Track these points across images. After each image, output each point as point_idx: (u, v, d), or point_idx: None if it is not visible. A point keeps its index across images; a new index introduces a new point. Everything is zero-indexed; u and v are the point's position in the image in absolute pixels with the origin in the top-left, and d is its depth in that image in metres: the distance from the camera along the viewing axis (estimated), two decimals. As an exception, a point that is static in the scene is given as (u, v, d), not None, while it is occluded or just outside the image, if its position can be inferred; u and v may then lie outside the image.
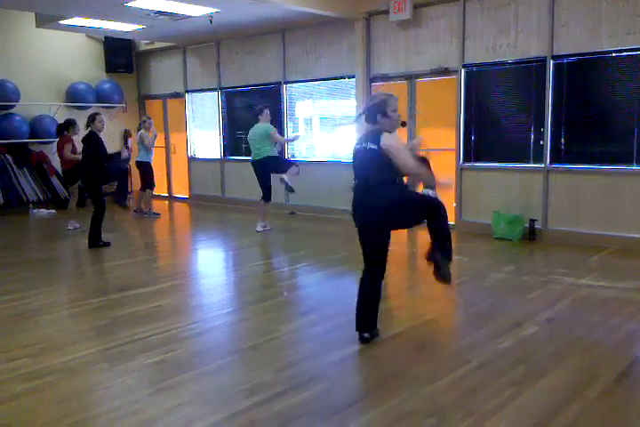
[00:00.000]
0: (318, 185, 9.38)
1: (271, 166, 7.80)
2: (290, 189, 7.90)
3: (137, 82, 12.26)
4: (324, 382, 3.20)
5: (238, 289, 5.51)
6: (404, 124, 3.94)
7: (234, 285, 5.68)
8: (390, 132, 3.67)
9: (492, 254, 6.62)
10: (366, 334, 3.75)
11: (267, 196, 7.85)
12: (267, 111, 7.84)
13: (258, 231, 7.85)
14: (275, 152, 7.86)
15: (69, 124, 8.28)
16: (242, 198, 10.31)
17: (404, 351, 3.66)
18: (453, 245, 3.86)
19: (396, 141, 3.64)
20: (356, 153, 3.75)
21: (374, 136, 3.61)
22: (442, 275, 3.77)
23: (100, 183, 7.03)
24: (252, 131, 7.85)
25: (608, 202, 6.64)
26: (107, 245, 6.99)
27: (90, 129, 6.88)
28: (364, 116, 3.78)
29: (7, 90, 9.91)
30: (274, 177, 7.86)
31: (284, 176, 7.72)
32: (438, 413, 2.84)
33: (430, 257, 3.80)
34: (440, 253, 3.74)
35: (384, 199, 3.58)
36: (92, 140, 6.83)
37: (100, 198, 6.94)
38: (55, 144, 10.68)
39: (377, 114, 3.66)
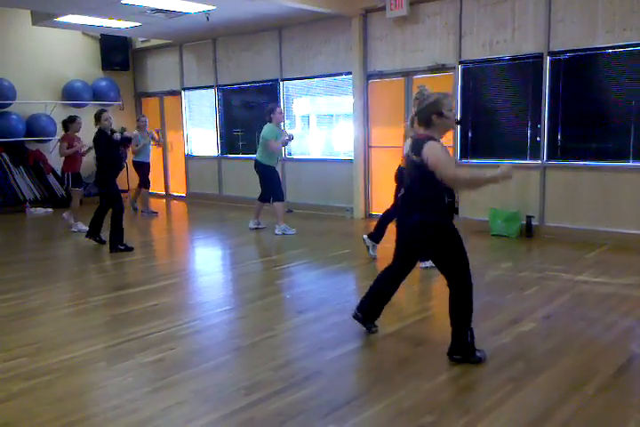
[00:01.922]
0: (316, 183, 9.38)
1: (257, 173, 7.69)
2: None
3: (133, 79, 12.23)
4: (322, 380, 3.20)
5: (236, 287, 5.51)
6: (458, 122, 3.72)
7: (231, 283, 5.68)
8: (440, 137, 3.38)
9: (490, 251, 6.63)
10: (360, 313, 3.84)
11: (276, 196, 7.65)
12: (279, 110, 7.60)
13: (277, 235, 7.57)
14: (264, 159, 7.57)
15: (69, 121, 8.01)
16: (239, 196, 10.30)
17: (402, 349, 3.67)
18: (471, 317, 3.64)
19: (437, 151, 3.26)
20: (407, 161, 3.52)
21: (419, 144, 3.30)
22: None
23: (116, 175, 6.88)
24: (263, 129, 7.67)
25: (605, 198, 6.65)
26: (129, 249, 6.69)
27: (98, 128, 6.73)
28: (414, 120, 3.48)
29: (3, 88, 9.88)
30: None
31: (277, 231, 7.54)
32: (436, 410, 2.84)
33: (450, 358, 3.43)
34: (457, 355, 3.40)
35: (422, 226, 3.38)
36: (101, 140, 6.69)
37: (117, 197, 6.75)
38: (50, 143, 10.73)
39: (432, 115, 3.34)
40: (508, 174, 3.27)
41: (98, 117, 6.74)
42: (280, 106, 7.76)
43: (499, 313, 4.29)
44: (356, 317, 3.89)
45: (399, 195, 3.67)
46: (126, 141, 7.17)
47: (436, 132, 3.38)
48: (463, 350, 3.39)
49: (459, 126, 7.42)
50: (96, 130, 6.77)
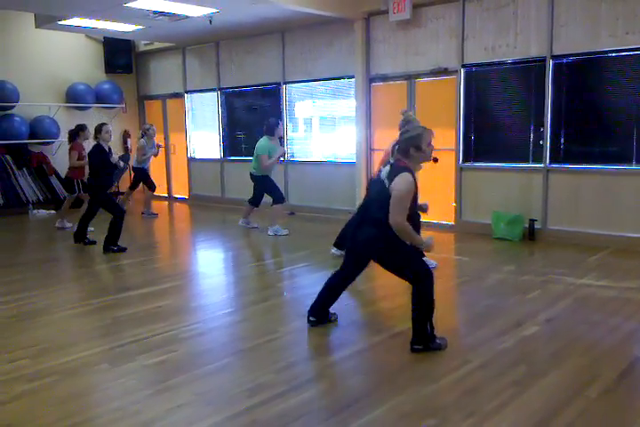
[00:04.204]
0: (318, 185, 9.39)
1: (254, 184, 7.87)
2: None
3: (136, 82, 12.26)
4: (324, 383, 3.20)
5: (238, 290, 5.51)
6: (435, 160, 3.86)
7: (234, 285, 5.68)
8: (416, 169, 3.63)
9: (492, 254, 6.62)
10: (312, 318, 4.11)
11: (277, 199, 7.79)
12: (281, 126, 7.81)
13: (269, 235, 7.67)
14: (259, 171, 7.72)
15: (79, 129, 8.08)
16: (242, 199, 10.26)
17: (404, 352, 3.66)
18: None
19: (404, 188, 3.45)
20: (375, 178, 3.75)
21: (395, 172, 3.50)
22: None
23: (106, 190, 6.90)
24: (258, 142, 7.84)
25: (608, 202, 6.65)
26: (123, 250, 6.75)
27: (97, 140, 6.69)
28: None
29: (7, 90, 9.91)
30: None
31: (270, 232, 7.66)
32: (439, 413, 2.84)
33: (412, 349, 3.61)
34: (420, 346, 3.59)
35: (373, 241, 3.63)
36: (96, 155, 6.67)
37: (114, 204, 6.79)
38: (54, 145, 10.76)
39: (410, 147, 3.55)
40: (431, 248, 3.64)
41: (99, 130, 6.70)
42: (281, 121, 7.95)
43: (501, 316, 4.29)
44: (311, 322, 4.12)
45: (358, 205, 3.85)
46: (115, 167, 7.09)
47: (411, 164, 3.59)
48: (424, 340, 3.61)
49: (436, 162, 7.40)
50: (94, 143, 6.74)
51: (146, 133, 9.31)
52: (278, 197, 7.81)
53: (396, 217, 3.46)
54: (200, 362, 3.55)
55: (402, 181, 3.45)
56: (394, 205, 3.45)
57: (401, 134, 3.75)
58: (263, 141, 7.71)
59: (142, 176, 9.43)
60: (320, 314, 4.15)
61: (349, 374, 3.41)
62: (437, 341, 3.64)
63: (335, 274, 4.15)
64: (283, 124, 7.97)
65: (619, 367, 3.35)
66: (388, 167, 3.62)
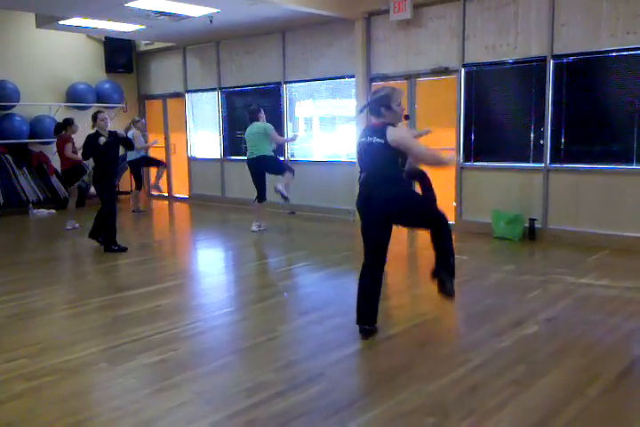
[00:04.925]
0: (318, 185, 9.38)
1: (265, 166, 7.82)
2: (285, 198, 7.83)
3: (137, 82, 12.26)
4: (325, 382, 3.20)
5: (238, 289, 5.51)
6: (406, 117, 3.91)
7: (234, 284, 5.68)
8: (394, 125, 3.67)
9: (492, 254, 6.62)
10: (367, 326, 3.83)
11: (261, 195, 7.88)
12: (262, 111, 7.93)
13: (254, 231, 7.85)
14: (270, 152, 7.83)
15: (67, 124, 8.25)
16: (242, 198, 10.30)
17: (405, 351, 3.66)
18: (453, 245, 3.87)
19: (404, 133, 3.66)
20: (362, 147, 3.75)
21: (380, 129, 3.61)
22: (446, 290, 3.85)
23: (112, 176, 6.90)
24: (249, 129, 7.86)
25: (608, 201, 6.64)
26: (123, 250, 6.76)
27: (94, 128, 6.78)
28: (366, 110, 3.78)
29: (7, 90, 9.91)
30: (268, 179, 7.88)
31: (279, 186, 7.66)
32: (439, 412, 2.84)
33: (435, 274, 3.88)
34: (444, 271, 3.83)
35: (393, 195, 3.63)
36: (89, 143, 6.71)
37: (110, 198, 6.77)
38: (55, 144, 10.76)
39: (380, 107, 3.65)
40: (451, 162, 3.86)
41: (94, 118, 6.81)
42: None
43: (501, 316, 4.29)
44: (368, 331, 3.82)
45: (359, 180, 3.85)
46: (124, 141, 7.12)
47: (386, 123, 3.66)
48: (449, 269, 3.81)
49: (406, 121, 7.43)
50: (92, 131, 6.82)
51: (134, 125, 9.35)
52: (261, 196, 7.85)
53: (421, 152, 3.61)
54: (200, 361, 3.55)
55: (396, 130, 3.59)
56: (411, 146, 3.56)
57: (370, 97, 3.81)
58: (259, 123, 7.78)
59: (135, 171, 9.47)
60: (372, 319, 3.86)
61: (349, 373, 3.41)
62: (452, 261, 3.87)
63: (363, 275, 3.87)
64: (262, 110, 7.94)
65: (619, 367, 3.35)
66: (365, 130, 3.76)
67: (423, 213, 3.81)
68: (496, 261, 6.22)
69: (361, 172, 3.84)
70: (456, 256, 3.96)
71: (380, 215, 3.71)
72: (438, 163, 3.77)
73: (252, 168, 7.84)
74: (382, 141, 3.57)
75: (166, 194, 12.13)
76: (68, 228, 8.26)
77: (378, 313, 3.88)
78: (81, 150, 7.88)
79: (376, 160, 3.69)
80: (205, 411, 2.90)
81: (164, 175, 9.82)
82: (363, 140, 3.74)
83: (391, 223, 3.77)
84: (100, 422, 2.83)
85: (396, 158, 3.61)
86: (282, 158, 8.00)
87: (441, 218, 3.77)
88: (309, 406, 2.92)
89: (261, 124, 7.76)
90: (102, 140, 6.69)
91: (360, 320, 3.85)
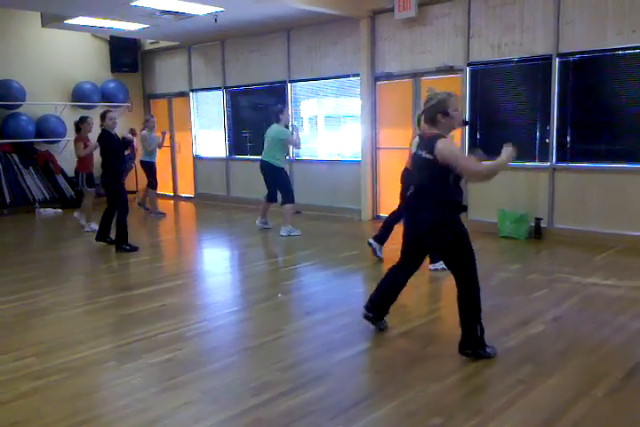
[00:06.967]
0: (323, 184, 9.38)
1: (268, 175, 7.66)
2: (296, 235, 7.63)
3: (142, 81, 12.28)
4: (331, 381, 3.20)
5: (244, 288, 5.52)
6: (465, 123, 3.78)
7: (239, 284, 5.69)
8: (445, 136, 3.44)
9: (498, 253, 6.61)
10: (370, 314, 3.87)
11: (289, 198, 7.62)
12: (286, 111, 7.73)
13: (282, 236, 7.56)
14: (276, 160, 7.58)
15: (80, 121, 8.07)
16: (247, 197, 10.31)
17: (410, 350, 3.66)
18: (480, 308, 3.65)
19: (452, 148, 3.39)
20: (414, 159, 3.61)
21: (429, 144, 3.37)
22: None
23: (120, 177, 6.91)
24: (268, 130, 7.69)
25: (614, 200, 6.62)
26: (134, 249, 6.75)
27: (102, 128, 6.81)
28: (417, 119, 3.60)
29: (13, 90, 9.95)
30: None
31: (283, 232, 7.51)
32: (444, 412, 2.83)
33: (460, 349, 3.51)
34: (469, 350, 3.46)
35: (436, 229, 3.42)
36: (105, 140, 6.76)
37: (123, 198, 6.79)
38: (60, 144, 10.81)
39: (437, 114, 3.41)
40: (513, 154, 3.47)
41: (103, 117, 6.82)
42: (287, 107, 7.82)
43: (507, 315, 4.28)
44: (366, 317, 3.92)
45: (408, 194, 3.67)
46: (127, 144, 7.18)
47: (441, 131, 3.45)
48: (473, 344, 3.44)
49: (467, 127, 7.41)
50: (100, 130, 6.84)
51: (146, 125, 9.35)
52: (290, 197, 7.61)
53: (470, 166, 3.32)
54: (206, 360, 3.56)
55: (444, 144, 3.32)
56: (457, 160, 3.28)
57: (425, 104, 3.55)
58: (279, 127, 7.57)
59: (150, 170, 9.42)
60: (378, 311, 3.89)
61: (355, 373, 3.41)
62: (487, 349, 3.47)
63: (393, 268, 3.88)
64: (287, 110, 7.70)
65: (625, 367, 3.34)
66: (417, 139, 3.53)
67: (456, 258, 3.54)
68: (502, 260, 6.20)
69: (412, 185, 3.68)
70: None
71: (417, 244, 3.64)
72: (494, 174, 3.40)
73: (260, 169, 7.79)
74: (431, 157, 3.34)
75: (172, 193, 12.15)
76: (87, 230, 8.08)
77: (387, 311, 3.91)
78: (95, 147, 7.74)
79: (423, 176, 3.49)
80: (211, 410, 2.90)
81: (155, 196, 9.69)
82: (415, 151, 3.59)
83: (431, 247, 3.65)
84: (106, 421, 2.84)
85: (447, 176, 3.35)
86: (286, 177, 7.72)
87: (474, 276, 3.50)
88: (315, 405, 2.92)
89: (279, 130, 7.57)
90: (130, 136, 7.01)
91: (367, 306, 3.89)
